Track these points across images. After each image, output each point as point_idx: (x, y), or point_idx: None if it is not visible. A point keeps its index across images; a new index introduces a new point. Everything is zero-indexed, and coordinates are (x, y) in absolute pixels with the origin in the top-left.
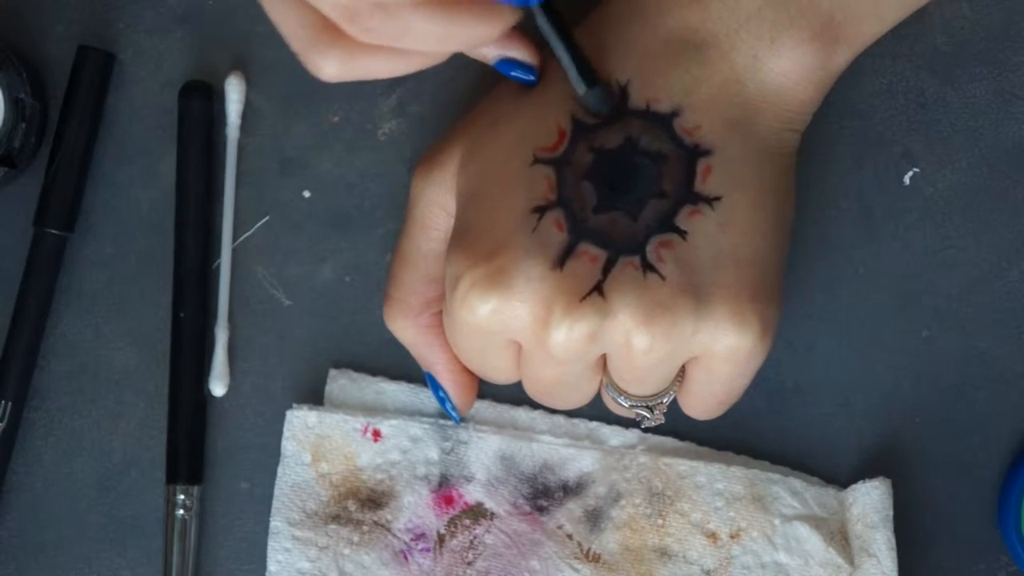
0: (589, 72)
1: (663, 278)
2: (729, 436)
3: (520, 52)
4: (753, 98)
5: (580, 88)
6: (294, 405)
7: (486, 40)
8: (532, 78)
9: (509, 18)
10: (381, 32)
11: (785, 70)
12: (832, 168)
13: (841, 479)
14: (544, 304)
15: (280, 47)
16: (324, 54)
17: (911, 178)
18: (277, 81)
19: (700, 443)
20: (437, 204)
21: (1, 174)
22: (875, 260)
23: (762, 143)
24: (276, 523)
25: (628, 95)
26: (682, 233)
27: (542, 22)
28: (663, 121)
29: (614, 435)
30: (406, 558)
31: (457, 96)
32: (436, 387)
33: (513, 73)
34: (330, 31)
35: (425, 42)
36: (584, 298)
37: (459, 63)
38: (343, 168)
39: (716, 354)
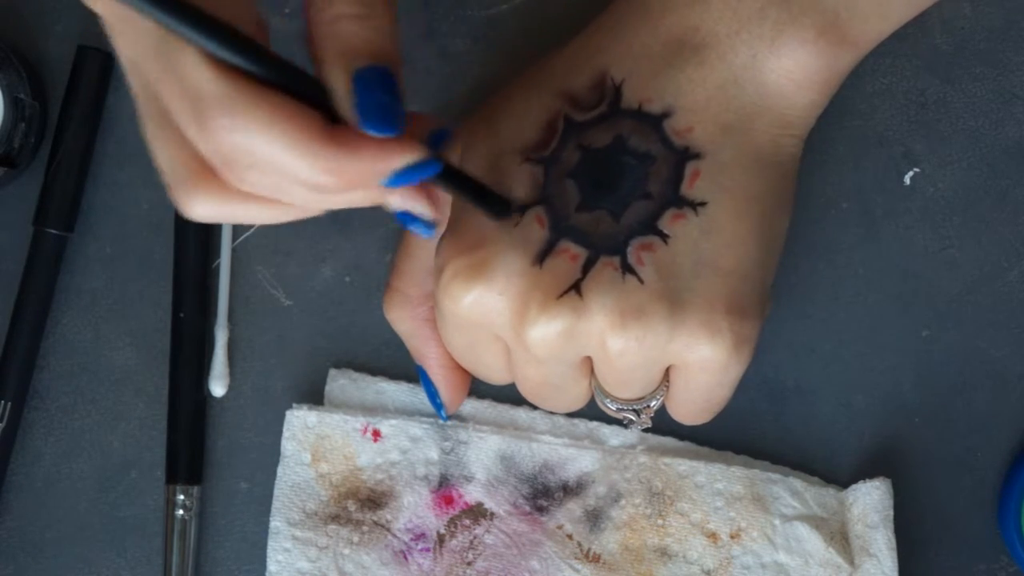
0: (498, 204)
1: (641, 281)
2: (729, 436)
3: (420, 208)
4: (751, 102)
5: (492, 220)
6: (294, 405)
7: (363, 204)
8: (430, 232)
9: (377, 196)
10: (258, 187)
11: (787, 71)
12: (832, 168)
13: (841, 479)
14: (521, 299)
15: (281, 46)
16: (193, 195)
17: (911, 178)
18: None
19: (700, 443)
20: None
21: (1, 174)
22: (875, 260)
23: (757, 150)
24: (276, 523)
25: (621, 94)
26: (664, 236)
27: (443, 185)
28: (653, 122)
29: (614, 435)
30: (406, 558)
31: (457, 96)
32: (427, 382)
33: (411, 226)
34: (203, 173)
35: (301, 202)
36: (561, 296)
37: (459, 64)
38: None
39: (691, 363)
